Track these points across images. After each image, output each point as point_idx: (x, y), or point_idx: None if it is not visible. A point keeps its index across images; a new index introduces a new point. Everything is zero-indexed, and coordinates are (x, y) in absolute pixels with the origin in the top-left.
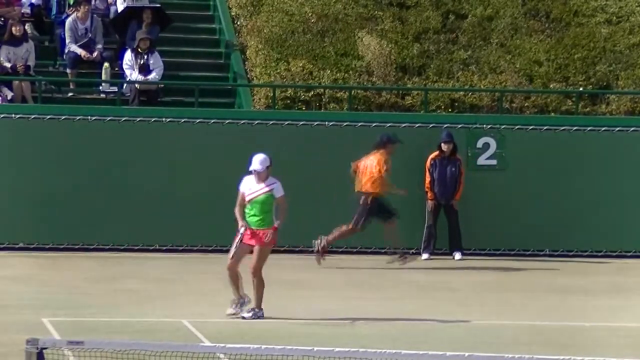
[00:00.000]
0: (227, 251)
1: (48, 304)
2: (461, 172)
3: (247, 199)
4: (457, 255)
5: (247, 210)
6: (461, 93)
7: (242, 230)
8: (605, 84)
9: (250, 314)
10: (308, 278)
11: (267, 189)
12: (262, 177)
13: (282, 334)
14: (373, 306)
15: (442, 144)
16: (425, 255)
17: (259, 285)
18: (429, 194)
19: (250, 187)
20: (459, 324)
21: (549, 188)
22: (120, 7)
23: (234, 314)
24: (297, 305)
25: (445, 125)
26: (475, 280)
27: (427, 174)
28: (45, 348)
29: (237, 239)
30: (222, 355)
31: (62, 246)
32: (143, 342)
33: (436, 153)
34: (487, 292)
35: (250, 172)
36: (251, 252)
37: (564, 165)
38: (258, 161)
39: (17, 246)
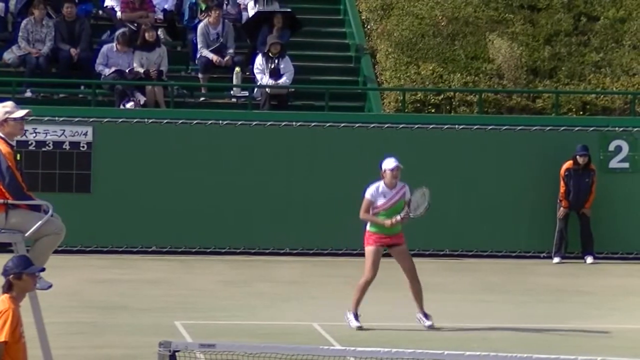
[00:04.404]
0: (357, 255)
1: (180, 307)
2: (594, 181)
3: (382, 207)
4: (589, 259)
5: (381, 219)
6: (593, 96)
7: (395, 220)
8: None
9: (430, 322)
10: (440, 281)
11: (401, 193)
12: (397, 178)
13: (414, 338)
14: (504, 309)
15: (578, 157)
16: (556, 259)
17: (420, 286)
18: (564, 202)
19: (385, 195)
20: (593, 329)
21: None
22: (252, 12)
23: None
24: (430, 308)
25: (577, 129)
26: (608, 285)
27: (562, 183)
28: (177, 351)
29: (372, 248)
30: (352, 359)
31: (194, 249)
32: (274, 345)
33: (570, 163)
34: (620, 296)
35: (376, 180)
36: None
37: None
38: (395, 159)
39: (150, 249)
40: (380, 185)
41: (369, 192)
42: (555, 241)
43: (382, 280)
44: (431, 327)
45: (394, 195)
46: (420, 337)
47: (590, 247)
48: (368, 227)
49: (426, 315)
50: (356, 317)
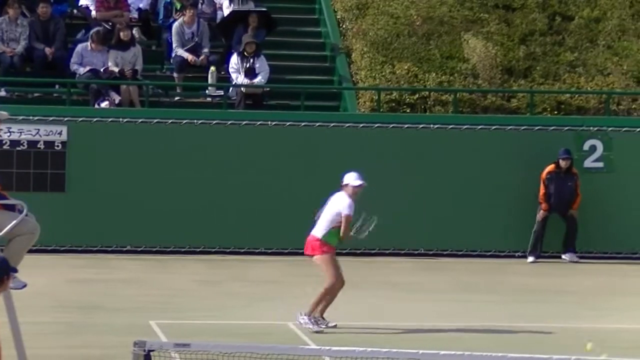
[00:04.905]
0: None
1: (155, 307)
2: (577, 185)
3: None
4: (570, 257)
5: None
6: (568, 95)
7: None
8: None
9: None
10: (417, 281)
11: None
12: (357, 195)
13: (390, 338)
14: (480, 309)
15: (561, 160)
16: (530, 259)
17: None
18: (543, 205)
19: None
20: (568, 328)
21: None
22: (227, 11)
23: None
24: (406, 308)
25: (552, 128)
26: (582, 284)
27: (542, 186)
28: (152, 350)
29: (331, 255)
30: (327, 358)
31: (169, 249)
32: (249, 344)
33: (552, 166)
34: (600, 295)
35: (337, 190)
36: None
37: None
38: (358, 176)
39: (125, 249)
40: (349, 199)
41: (351, 209)
42: (531, 241)
43: (357, 280)
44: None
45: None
46: (396, 336)
47: (573, 245)
48: (326, 239)
49: (317, 319)
50: (318, 321)
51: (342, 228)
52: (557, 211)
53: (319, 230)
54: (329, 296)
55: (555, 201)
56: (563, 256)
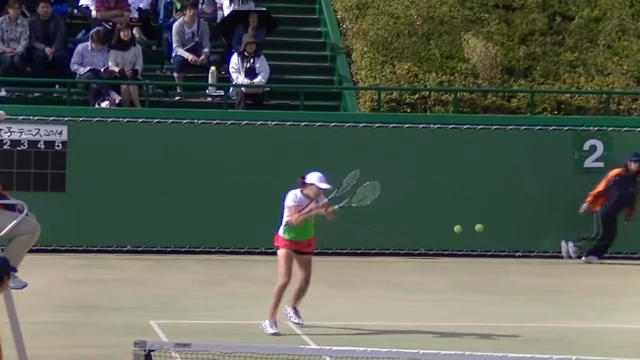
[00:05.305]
0: (332, 254)
1: (156, 307)
2: (637, 191)
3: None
4: (597, 260)
5: (300, 227)
6: (568, 95)
7: (333, 209)
8: None
9: (300, 320)
10: (417, 281)
11: (313, 204)
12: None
13: (390, 337)
14: (481, 309)
15: (632, 163)
16: (595, 259)
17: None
18: (590, 199)
19: (300, 204)
20: (569, 328)
21: None
22: (227, 11)
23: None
24: (406, 308)
25: (552, 128)
26: (585, 284)
27: (604, 184)
28: (152, 350)
29: (284, 252)
30: (327, 358)
31: (169, 249)
32: (250, 344)
33: (619, 170)
34: (600, 295)
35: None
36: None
37: None
38: (323, 178)
39: (125, 249)
40: (298, 193)
41: (292, 199)
42: (599, 243)
43: (357, 280)
44: (300, 325)
45: (308, 204)
46: (396, 336)
47: (601, 251)
48: (283, 235)
49: (297, 312)
50: (273, 324)
51: (293, 216)
52: (611, 213)
53: (281, 227)
54: (275, 297)
55: (611, 204)
56: (585, 258)
